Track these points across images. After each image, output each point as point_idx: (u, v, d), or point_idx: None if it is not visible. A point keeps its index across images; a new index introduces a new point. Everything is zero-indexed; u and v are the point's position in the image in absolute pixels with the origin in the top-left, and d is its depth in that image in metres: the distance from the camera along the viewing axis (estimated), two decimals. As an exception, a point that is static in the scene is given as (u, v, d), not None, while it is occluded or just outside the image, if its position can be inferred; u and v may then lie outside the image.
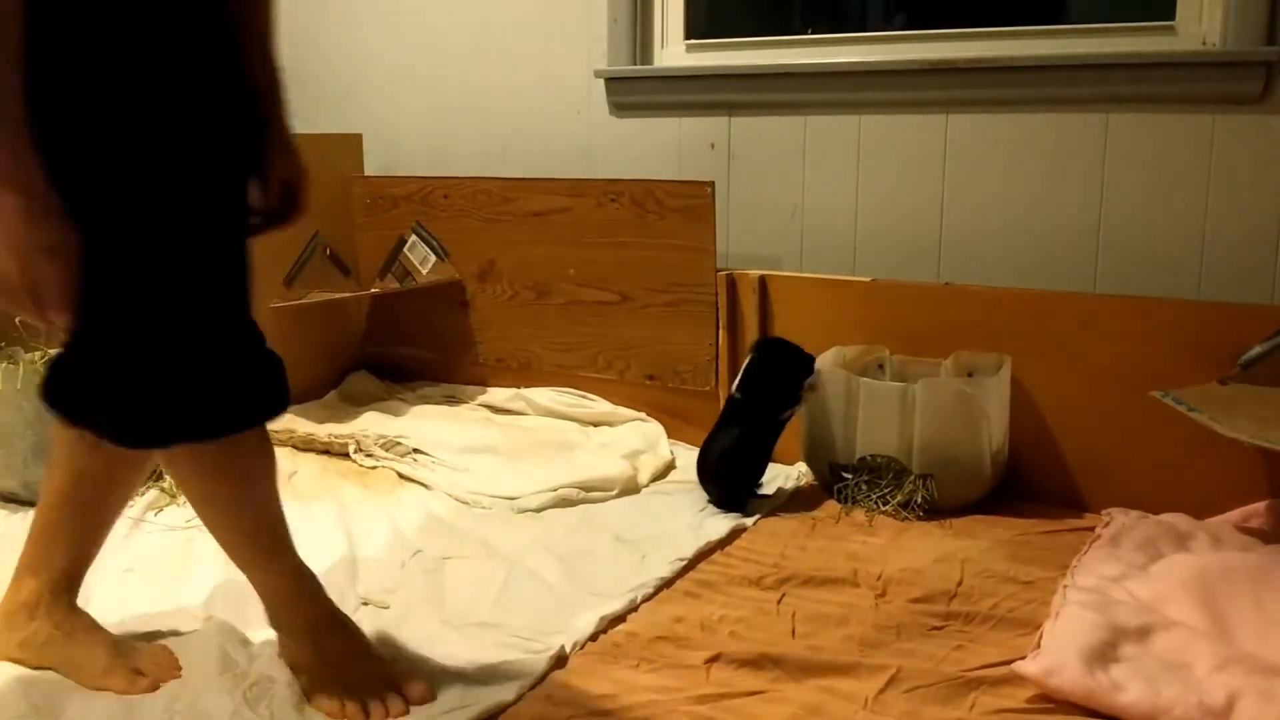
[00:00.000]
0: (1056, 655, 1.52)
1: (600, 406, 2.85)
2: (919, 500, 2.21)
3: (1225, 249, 2.34)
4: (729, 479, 2.30)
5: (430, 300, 3.11)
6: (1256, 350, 2.09)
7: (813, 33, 2.86)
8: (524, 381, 2.99)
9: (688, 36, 2.94)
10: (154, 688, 1.53)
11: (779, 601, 1.82)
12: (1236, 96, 2.30)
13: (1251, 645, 1.59)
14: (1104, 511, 2.18)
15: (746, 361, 2.36)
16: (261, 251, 3.05)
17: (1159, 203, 2.40)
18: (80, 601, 1.81)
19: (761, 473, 2.36)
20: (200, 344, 1.34)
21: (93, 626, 1.61)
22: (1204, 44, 2.35)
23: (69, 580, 1.61)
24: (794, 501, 2.33)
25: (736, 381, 2.35)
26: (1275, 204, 2.29)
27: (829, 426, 2.32)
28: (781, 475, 2.47)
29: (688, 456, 2.64)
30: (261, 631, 1.70)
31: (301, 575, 1.56)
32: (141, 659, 1.57)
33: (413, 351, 3.20)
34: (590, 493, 2.35)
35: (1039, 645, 1.59)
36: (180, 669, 1.57)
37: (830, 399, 2.31)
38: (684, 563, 1.98)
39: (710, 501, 2.30)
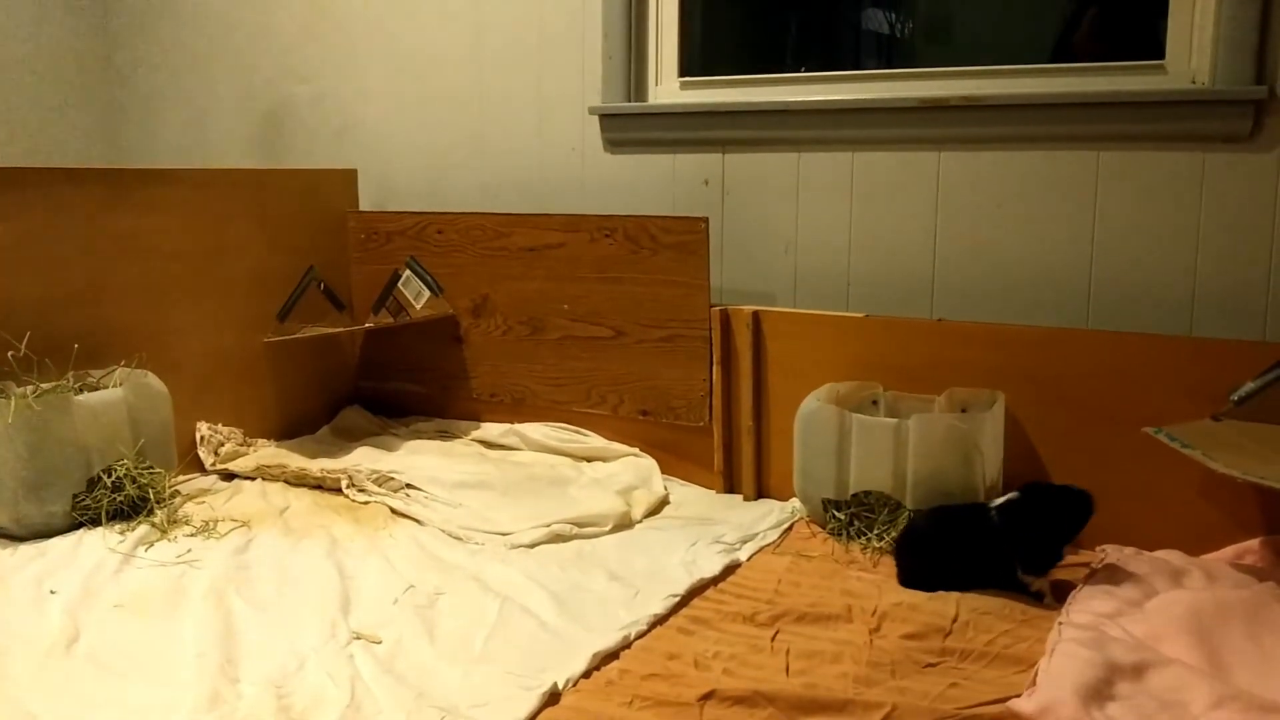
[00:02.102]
0: (1052, 693, 1.51)
1: (594, 442, 2.84)
2: (913, 536, 2.20)
3: (1216, 285, 2.35)
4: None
5: (424, 335, 3.11)
6: (1249, 386, 2.09)
7: (806, 71, 2.88)
8: (517, 417, 2.98)
9: (682, 74, 2.97)
10: None
11: (773, 638, 1.81)
12: (1226, 135, 2.32)
13: (1247, 683, 1.59)
14: (1098, 548, 2.18)
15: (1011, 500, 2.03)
16: (255, 285, 3.06)
17: (1150, 239, 2.41)
18: (69, 637, 1.81)
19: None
20: None
21: None
22: (1193, 83, 2.37)
23: None
24: (787, 537, 2.33)
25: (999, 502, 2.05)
26: (1265, 241, 2.31)
27: (822, 463, 2.31)
28: (775, 511, 2.47)
29: (681, 492, 2.64)
30: (251, 668, 1.69)
31: None
32: None
33: (406, 386, 3.19)
34: (584, 528, 2.34)
35: (1034, 683, 1.58)
36: None
37: (824, 435, 2.31)
38: (677, 599, 1.97)
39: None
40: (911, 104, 2.60)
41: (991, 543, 1.98)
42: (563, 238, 2.86)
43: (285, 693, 1.62)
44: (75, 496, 2.33)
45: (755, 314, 2.62)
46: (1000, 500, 2.03)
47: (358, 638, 1.81)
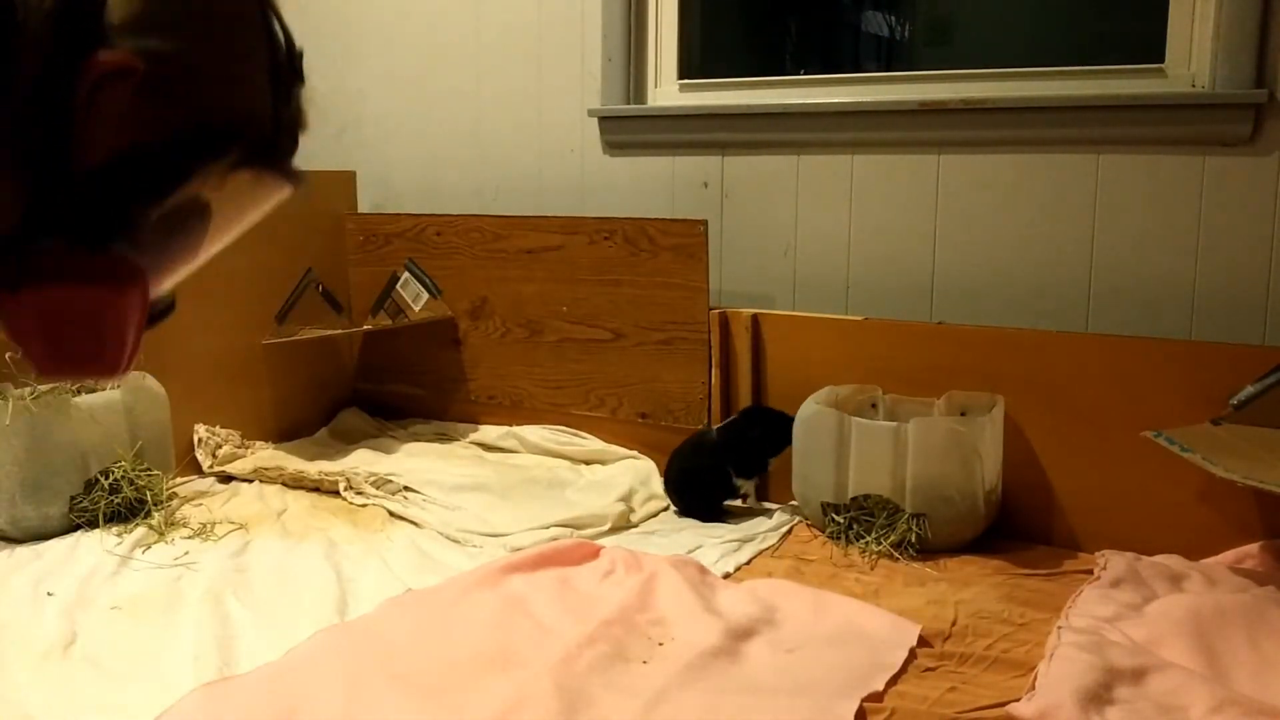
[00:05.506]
0: (1051, 697, 1.51)
1: (592, 444, 2.84)
2: (912, 540, 2.20)
3: (1216, 289, 2.35)
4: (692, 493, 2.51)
5: (422, 337, 3.11)
6: (1249, 390, 2.09)
7: (805, 73, 2.88)
8: (516, 419, 2.98)
9: (681, 76, 2.96)
10: None
11: (772, 642, 1.81)
12: (1226, 138, 2.32)
13: (1247, 687, 1.58)
14: (1098, 553, 2.17)
15: (732, 421, 2.53)
16: (253, 287, 3.04)
17: (1150, 243, 2.41)
18: (66, 639, 1.80)
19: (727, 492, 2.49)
20: None
21: None
22: (1193, 86, 2.37)
23: None
24: (786, 541, 2.32)
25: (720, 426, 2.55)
26: (1265, 244, 2.30)
27: (821, 466, 2.31)
28: (774, 514, 2.47)
29: (680, 495, 2.63)
30: (247, 671, 1.68)
31: None
32: None
33: (404, 389, 3.19)
34: (582, 531, 2.34)
35: (1033, 687, 1.58)
36: None
37: (822, 438, 2.30)
38: (676, 602, 1.96)
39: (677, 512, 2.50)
40: (911, 107, 2.60)
41: (713, 455, 2.48)
42: (561, 240, 2.86)
43: (282, 696, 1.61)
44: (73, 498, 2.33)
45: (754, 316, 2.61)
46: (722, 423, 2.55)
47: (355, 641, 1.81)
